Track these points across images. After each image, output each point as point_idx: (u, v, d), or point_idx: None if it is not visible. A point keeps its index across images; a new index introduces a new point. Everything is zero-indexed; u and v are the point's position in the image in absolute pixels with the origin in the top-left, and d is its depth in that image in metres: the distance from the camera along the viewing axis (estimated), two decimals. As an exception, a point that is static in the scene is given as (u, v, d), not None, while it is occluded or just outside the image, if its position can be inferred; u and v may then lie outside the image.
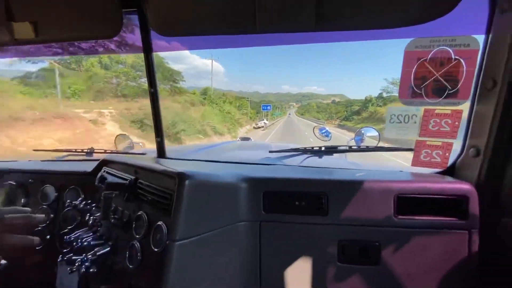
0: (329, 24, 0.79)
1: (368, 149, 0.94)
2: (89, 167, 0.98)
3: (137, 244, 0.65)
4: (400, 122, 0.82)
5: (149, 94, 1.02)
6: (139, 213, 0.68)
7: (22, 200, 0.94)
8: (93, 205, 0.85)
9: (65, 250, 0.87)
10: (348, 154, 1.20)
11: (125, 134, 2.25)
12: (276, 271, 0.73)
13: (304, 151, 1.00)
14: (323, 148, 0.97)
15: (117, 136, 2.21)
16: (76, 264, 0.78)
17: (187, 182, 0.59)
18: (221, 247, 0.66)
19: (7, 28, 0.90)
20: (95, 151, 1.17)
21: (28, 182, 0.96)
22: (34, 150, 1.13)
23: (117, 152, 1.14)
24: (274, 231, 0.73)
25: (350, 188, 0.71)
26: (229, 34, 0.95)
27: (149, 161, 0.85)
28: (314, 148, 0.98)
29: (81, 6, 0.88)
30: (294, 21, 0.80)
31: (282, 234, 0.73)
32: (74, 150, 1.16)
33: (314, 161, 0.97)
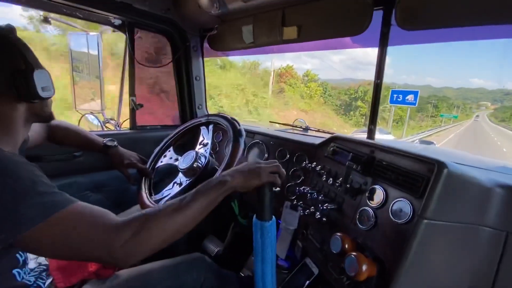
0: None
1: None
2: (309, 140, 1.24)
3: (370, 211, 0.78)
4: None
5: (373, 84, 1.12)
6: (373, 186, 0.80)
7: (266, 155, 1.34)
8: (316, 168, 1.07)
9: (291, 198, 1.18)
10: None
11: (301, 120, 2.55)
12: None
13: None
14: None
15: (295, 120, 2.59)
16: (300, 210, 1.05)
17: (445, 171, 0.63)
18: (460, 242, 0.66)
19: (279, 31, 1.25)
20: (310, 128, 1.46)
21: (269, 143, 1.35)
22: (270, 121, 1.56)
23: (330, 133, 1.36)
24: None
25: None
26: (487, 24, 0.85)
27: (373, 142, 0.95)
28: None
29: (337, 8, 1.08)
30: None
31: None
32: (295, 126, 1.51)
33: None
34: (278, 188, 0.89)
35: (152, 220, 0.56)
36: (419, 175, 0.68)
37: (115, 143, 1.11)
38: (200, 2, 1.31)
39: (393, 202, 0.72)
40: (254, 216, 0.76)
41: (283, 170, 0.77)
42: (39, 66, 0.67)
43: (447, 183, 0.63)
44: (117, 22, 1.41)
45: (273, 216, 0.77)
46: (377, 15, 1.05)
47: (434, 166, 0.64)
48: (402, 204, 0.69)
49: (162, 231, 0.57)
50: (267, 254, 0.80)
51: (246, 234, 1.52)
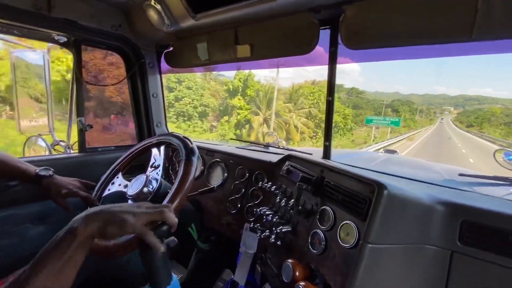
0: None
1: None
2: (269, 158, 1.21)
3: (321, 234, 0.75)
4: None
5: (326, 101, 1.13)
6: (323, 207, 0.78)
7: (225, 174, 1.29)
8: (274, 188, 1.04)
9: (250, 219, 1.14)
10: None
11: (272, 132, 2.56)
12: None
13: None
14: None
15: (266, 133, 2.59)
16: (258, 232, 1.01)
17: (385, 192, 0.62)
18: (406, 264, 0.65)
19: (233, 49, 1.24)
20: (270, 145, 1.44)
21: (229, 162, 1.31)
22: (231, 139, 1.52)
23: (290, 149, 1.34)
24: (469, 268, 0.64)
25: None
26: (423, 44, 0.89)
27: (324, 162, 0.95)
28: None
29: (287, 28, 1.09)
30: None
31: (481, 275, 0.63)
32: (256, 143, 1.48)
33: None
34: (175, 242, 0.72)
35: None
36: (362, 197, 0.67)
37: (51, 172, 1.00)
38: (151, 20, 1.27)
39: (341, 225, 0.70)
40: (148, 284, 0.61)
41: (172, 216, 0.58)
42: None
43: (388, 204, 0.62)
44: (62, 39, 1.32)
45: (173, 275, 0.63)
46: (327, 35, 1.08)
47: (374, 188, 0.63)
48: (349, 227, 0.67)
49: None
50: None
51: (209, 259, 1.44)
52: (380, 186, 0.63)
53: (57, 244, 0.48)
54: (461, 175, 0.91)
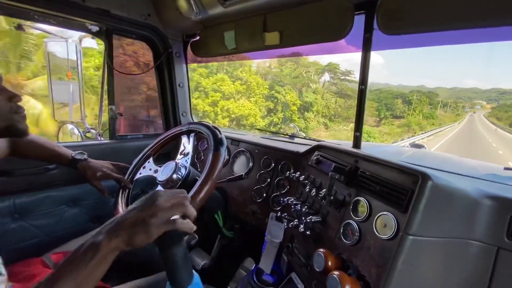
0: None
1: None
2: (295, 148, 1.20)
3: (354, 225, 0.73)
4: None
5: (357, 90, 1.09)
6: (357, 198, 0.76)
7: (251, 164, 1.29)
8: (302, 178, 1.03)
9: (276, 208, 1.14)
10: None
11: (292, 124, 2.51)
12: None
13: None
14: None
15: (287, 125, 2.58)
16: (285, 222, 1.00)
17: (429, 183, 0.59)
18: (448, 258, 0.62)
19: (261, 37, 1.22)
20: (296, 136, 1.42)
21: (254, 152, 1.30)
22: (257, 129, 1.52)
23: (317, 140, 1.32)
24: None
25: None
26: (468, 28, 0.83)
27: (357, 151, 0.92)
28: None
29: (318, 14, 1.05)
30: None
31: (531, 273, 0.59)
32: (281, 133, 1.47)
33: None
34: (195, 239, 0.65)
35: None
36: (403, 188, 0.64)
37: (85, 156, 1.04)
38: (180, 8, 1.27)
39: (377, 216, 0.68)
40: (167, 283, 0.56)
41: (190, 207, 0.54)
42: None
43: (432, 196, 0.59)
44: (95, 28, 1.35)
45: (195, 273, 0.58)
46: (361, 20, 1.03)
47: (418, 178, 0.60)
48: (387, 218, 0.65)
49: None
50: None
51: (232, 246, 1.46)
52: (425, 177, 0.60)
53: (80, 256, 0.48)
54: (506, 169, 0.85)
